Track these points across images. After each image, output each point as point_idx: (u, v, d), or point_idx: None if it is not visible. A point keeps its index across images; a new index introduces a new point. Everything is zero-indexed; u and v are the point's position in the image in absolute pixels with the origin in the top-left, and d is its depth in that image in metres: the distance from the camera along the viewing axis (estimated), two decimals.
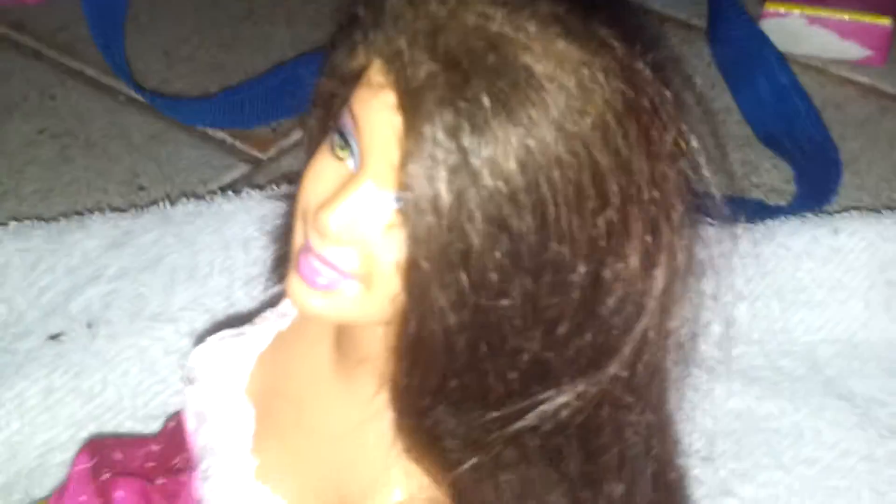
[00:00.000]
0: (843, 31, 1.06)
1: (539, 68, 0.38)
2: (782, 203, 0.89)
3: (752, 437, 0.70)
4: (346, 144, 0.41)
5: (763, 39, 1.03)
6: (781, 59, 1.01)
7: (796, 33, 1.07)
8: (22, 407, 0.70)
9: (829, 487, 0.68)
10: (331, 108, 0.44)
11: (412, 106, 0.38)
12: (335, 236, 0.40)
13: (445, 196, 0.38)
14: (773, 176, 0.94)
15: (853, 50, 1.07)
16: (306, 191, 0.42)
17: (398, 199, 0.39)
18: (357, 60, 0.41)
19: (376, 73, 0.40)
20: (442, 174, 0.37)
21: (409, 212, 0.38)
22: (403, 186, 0.38)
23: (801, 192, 0.90)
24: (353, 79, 0.41)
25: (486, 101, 0.37)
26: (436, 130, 0.37)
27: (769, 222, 0.82)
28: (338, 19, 0.45)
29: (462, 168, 0.37)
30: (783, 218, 0.83)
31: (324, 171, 0.42)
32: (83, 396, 0.71)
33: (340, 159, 0.41)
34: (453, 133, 0.37)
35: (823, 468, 0.69)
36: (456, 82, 0.37)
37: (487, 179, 0.38)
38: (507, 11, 0.39)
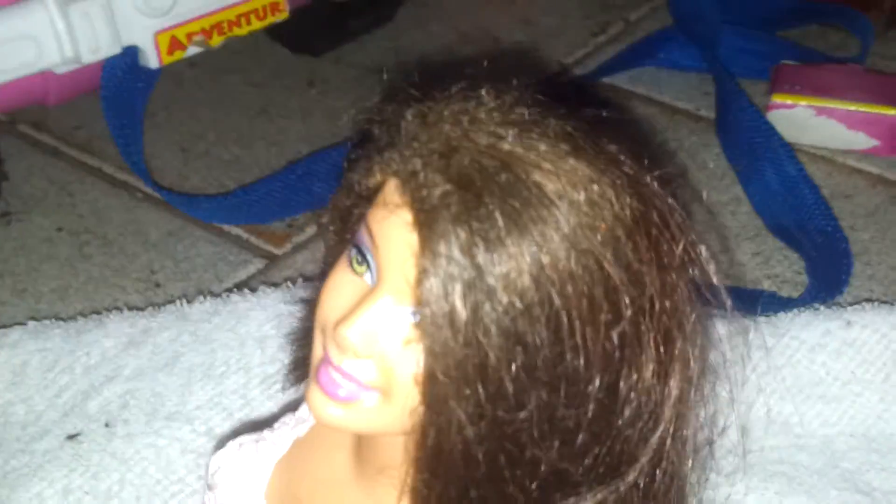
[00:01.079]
0: (851, 121, 1.08)
1: (550, 186, 0.39)
2: (794, 294, 0.89)
3: None
4: (364, 260, 0.42)
5: (770, 131, 1.04)
6: (789, 149, 1.02)
7: (803, 124, 1.08)
8: None
9: None
10: (348, 222, 0.45)
11: (428, 225, 0.39)
12: (354, 350, 0.41)
13: (461, 311, 0.38)
14: (784, 267, 0.94)
15: (861, 140, 1.08)
16: (325, 304, 0.43)
17: (415, 314, 0.40)
18: (373, 178, 0.42)
19: (392, 192, 0.41)
20: (458, 290, 0.38)
21: (425, 326, 0.39)
22: (420, 302, 0.39)
23: (812, 284, 0.90)
24: (370, 196, 0.42)
25: (499, 219, 0.38)
26: (451, 248, 0.38)
27: (781, 315, 0.82)
28: (353, 135, 0.46)
29: (477, 284, 0.38)
30: (796, 310, 0.83)
31: (342, 285, 0.43)
32: (101, 497, 0.71)
33: (358, 273, 0.42)
34: (468, 250, 0.38)
35: None
36: (470, 201, 0.38)
37: (502, 295, 0.38)
38: (518, 131, 0.40)
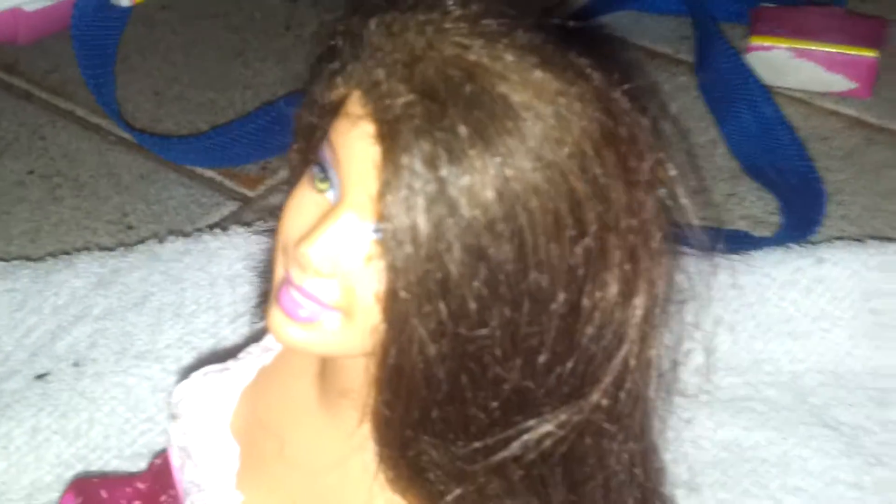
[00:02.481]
0: (829, 63, 1.07)
1: (516, 98, 0.38)
2: (767, 234, 0.89)
3: (740, 467, 0.70)
4: (326, 177, 0.41)
5: (748, 73, 1.03)
6: (766, 92, 1.02)
7: (782, 66, 1.08)
8: (8, 448, 0.70)
9: None
10: (311, 141, 0.45)
11: (390, 136, 0.38)
12: (315, 268, 0.40)
13: (423, 226, 0.38)
14: (758, 207, 0.94)
15: (839, 82, 1.07)
16: (286, 224, 0.43)
17: (377, 230, 0.39)
18: (336, 92, 0.42)
19: (355, 104, 0.40)
20: (420, 204, 0.38)
21: (387, 242, 0.38)
22: (382, 217, 0.38)
23: (785, 224, 0.90)
24: (333, 111, 0.42)
25: (463, 130, 0.37)
26: (413, 161, 0.37)
27: (754, 253, 0.82)
28: (316, 51, 0.45)
29: (440, 198, 0.38)
30: (768, 249, 0.83)
31: (304, 203, 0.42)
32: (69, 436, 0.71)
33: (321, 191, 0.42)
34: (431, 163, 0.37)
35: (811, 497, 0.68)
36: (433, 112, 0.38)
37: (465, 209, 0.38)
38: (484, 41, 0.39)
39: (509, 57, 0.39)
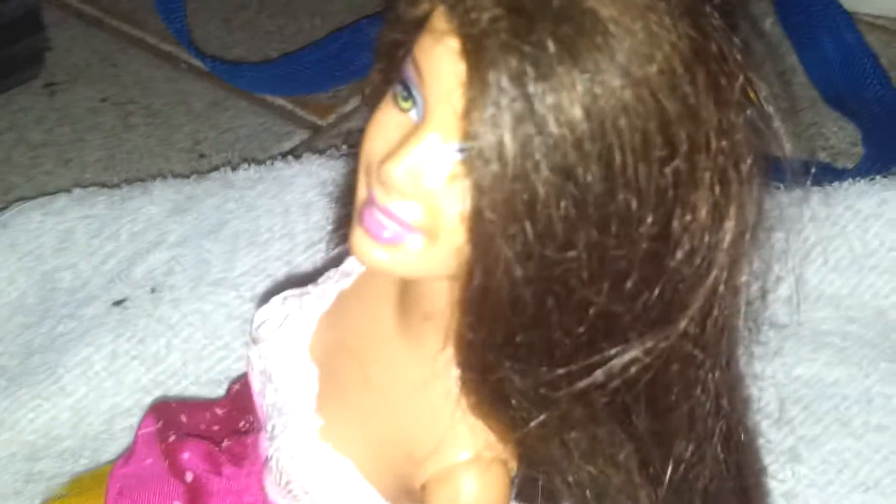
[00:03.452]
0: None
1: (604, 12, 0.37)
2: (849, 165, 0.87)
3: (821, 403, 0.69)
4: (410, 95, 0.40)
5: None
6: (848, 18, 0.99)
7: None
8: (88, 373, 0.71)
9: None
10: (393, 59, 0.44)
11: (476, 52, 0.37)
12: (399, 188, 0.40)
13: (510, 144, 0.37)
14: (839, 138, 0.92)
15: None
16: (369, 144, 0.42)
17: (462, 149, 0.39)
18: (420, 7, 0.41)
19: (439, 19, 0.39)
20: (507, 122, 0.37)
21: (473, 161, 0.38)
22: (467, 136, 0.37)
23: (868, 154, 0.88)
24: (416, 27, 0.41)
25: (551, 46, 0.36)
26: (500, 77, 0.36)
27: (836, 184, 0.80)
28: None
29: (527, 115, 0.37)
30: (850, 180, 0.81)
31: (387, 123, 0.41)
32: (147, 362, 0.72)
33: (404, 111, 0.41)
34: (518, 79, 0.36)
35: (894, 435, 0.67)
36: (520, 27, 0.36)
37: (553, 127, 0.37)
38: None
39: None
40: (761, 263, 0.45)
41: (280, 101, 0.98)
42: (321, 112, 0.97)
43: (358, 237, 0.42)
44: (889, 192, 0.79)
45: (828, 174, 0.83)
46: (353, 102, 0.98)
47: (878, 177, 0.82)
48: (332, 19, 1.07)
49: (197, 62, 1.01)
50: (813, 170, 0.79)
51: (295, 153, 0.90)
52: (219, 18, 1.08)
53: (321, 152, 0.85)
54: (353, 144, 0.88)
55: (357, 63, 0.99)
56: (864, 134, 0.91)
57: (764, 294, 0.46)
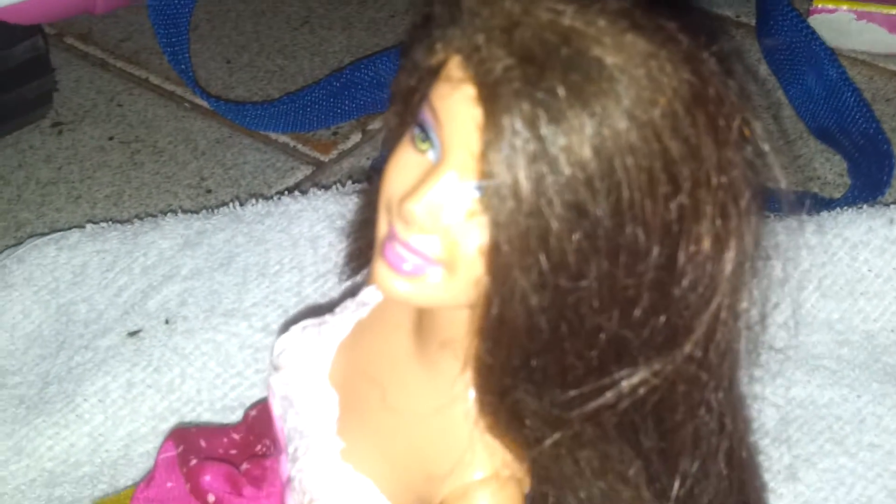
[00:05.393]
0: (891, 25, 1.07)
1: (610, 60, 0.40)
2: (837, 195, 0.90)
3: (815, 424, 0.71)
4: (427, 137, 0.43)
5: (812, 35, 1.04)
6: (831, 53, 1.02)
7: (845, 28, 1.08)
8: (105, 401, 0.73)
9: (893, 472, 0.69)
10: (409, 103, 0.46)
11: (491, 98, 0.40)
12: (420, 224, 0.42)
13: (525, 183, 0.40)
14: (826, 169, 0.95)
15: None
16: (390, 182, 0.45)
17: (479, 188, 0.41)
18: (435, 57, 0.43)
19: (455, 68, 0.42)
20: (521, 162, 0.39)
21: (490, 199, 0.40)
22: (484, 175, 0.40)
23: (855, 185, 0.91)
24: (432, 74, 0.43)
25: (561, 91, 0.39)
26: (514, 120, 0.39)
27: (825, 213, 0.83)
28: (413, 18, 0.47)
29: (540, 156, 0.39)
30: (838, 209, 0.84)
31: (406, 163, 0.44)
32: (163, 390, 0.74)
33: (422, 152, 0.43)
34: (531, 123, 0.39)
35: (886, 453, 0.70)
36: (532, 75, 0.39)
37: (564, 166, 0.39)
38: (576, 7, 0.41)
39: (602, 21, 0.40)
40: (760, 291, 0.48)
41: (283, 139, 1.01)
42: (323, 149, 1.00)
43: (381, 269, 0.44)
44: (875, 221, 0.82)
45: (818, 204, 0.86)
46: (354, 139, 1.01)
47: (864, 206, 0.85)
48: (332, 59, 1.10)
49: (201, 101, 1.04)
50: (805, 203, 0.82)
51: (299, 188, 0.93)
52: (221, 59, 1.11)
53: (326, 188, 0.88)
54: (358, 180, 0.91)
55: (357, 101, 1.02)
56: (850, 165, 0.94)
57: (763, 319, 0.49)
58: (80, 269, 0.81)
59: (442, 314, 0.47)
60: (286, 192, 0.89)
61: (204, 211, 0.86)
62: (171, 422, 0.73)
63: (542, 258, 0.41)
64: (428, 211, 0.42)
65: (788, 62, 1.04)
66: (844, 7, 1.08)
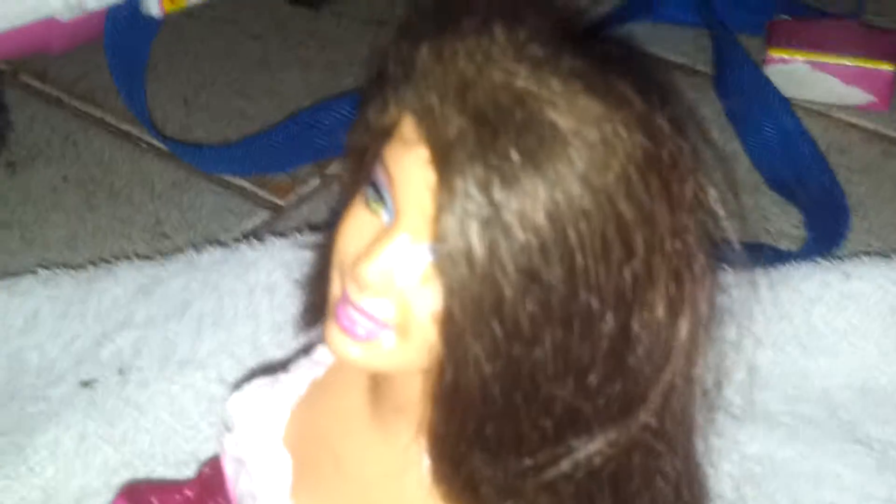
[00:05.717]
0: (846, 76, 1.09)
1: (563, 124, 0.39)
2: (793, 248, 0.91)
3: (773, 481, 0.71)
4: (380, 198, 0.42)
5: (768, 85, 1.05)
6: (786, 104, 1.03)
7: (800, 79, 1.09)
8: (56, 453, 0.72)
9: None
10: (362, 161, 0.46)
11: (444, 161, 0.39)
12: (372, 287, 0.42)
13: (478, 248, 0.39)
14: (782, 221, 0.95)
15: (856, 95, 1.09)
16: (342, 243, 0.44)
17: (432, 251, 0.41)
18: (388, 116, 0.43)
19: (408, 128, 0.41)
20: (474, 227, 0.39)
21: (443, 263, 0.40)
22: (437, 239, 0.40)
23: (811, 237, 0.91)
24: (385, 133, 0.43)
25: (514, 156, 0.39)
26: (468, 184, 0.39)
27: (781, 267, 0.83)
28: (367, 74, 0.46)
29: (493, 221, 0.39)
30: (794, 263, 0.85)
31: (359, 224, 0.44)
32: (116, 443, 0.73)
33: (374, 212, 0.43)
34: (484, 187, 0.39)
35: None
36: (485, 138, 0.39)
37: (518, 232, 0.39)
38: (530, 67, 0.40)
39: (555, 83, 0.40)
40: (715, 354, 0.48)
41: (240, 182, 1.00)
42: (281, 192, 0.99)
43: (333, 333, 0.44)
44: (831, 275, 0.82)
45: (772, 257, 0.86)
46: (312, 183, 1.00)
47: (820, 259, 0.85)
48: (290, 102, 1.10)
49: (158, 142, 1.03)
50: (758, 254, 0.83)
51: (256, 233, 0.92)
52: (178, 100, 1.10)
53: (283, 234, 0.87)
54: (315, 227, 0.91)
55: (315, 145, 1.02)
56: (806, 217, 0.94)
57: (718, 383, 0.48)
58: (31, 315, 0.80)
59: (396, 378, 0.46)
60: (243, 237, 0.89)
61: (159, 256, 0.86)
62: (124, 475, 0.71)
63: (496, 325, 0.40)
64: (381, 274, 0.42)
65: (745, 112, 1.05)
66: (799, 58, 1.09)
